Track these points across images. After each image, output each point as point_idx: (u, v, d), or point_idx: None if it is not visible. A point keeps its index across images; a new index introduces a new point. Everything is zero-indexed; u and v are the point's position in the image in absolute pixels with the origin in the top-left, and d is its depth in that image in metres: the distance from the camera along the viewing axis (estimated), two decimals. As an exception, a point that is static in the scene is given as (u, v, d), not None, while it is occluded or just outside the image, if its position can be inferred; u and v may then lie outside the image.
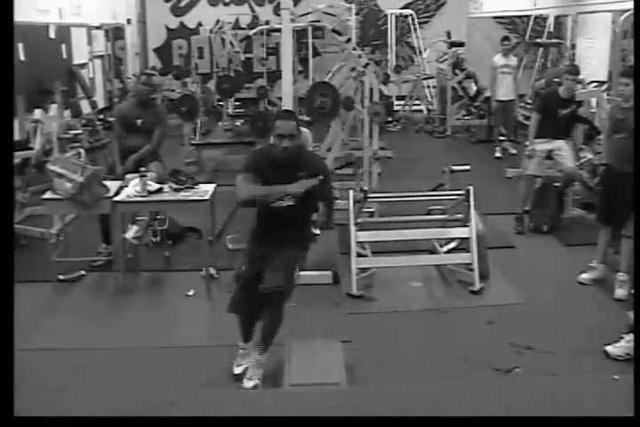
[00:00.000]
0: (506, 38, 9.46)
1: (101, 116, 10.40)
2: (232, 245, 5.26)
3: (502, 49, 9.22)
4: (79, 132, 8.63)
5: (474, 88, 11.03)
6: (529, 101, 9.18)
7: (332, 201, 3.98)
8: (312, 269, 4.67)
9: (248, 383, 3.68)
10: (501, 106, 9.32)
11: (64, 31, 9.71)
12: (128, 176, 5.13)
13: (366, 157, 7.11)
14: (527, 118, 8.01)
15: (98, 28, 11.16)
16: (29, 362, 3.78)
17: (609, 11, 8.47)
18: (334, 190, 3.84)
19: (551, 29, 11.11)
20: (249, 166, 3.63)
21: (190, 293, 4.92)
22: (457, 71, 11.06)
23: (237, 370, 3.81)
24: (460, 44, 11.53)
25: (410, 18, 13.04)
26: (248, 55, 11.25)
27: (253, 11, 13.76)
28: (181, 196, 4.90)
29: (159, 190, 4.90)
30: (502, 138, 9.55)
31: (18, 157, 6.07)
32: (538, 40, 11.04)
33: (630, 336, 3.81)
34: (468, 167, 6.03)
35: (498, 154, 9.39)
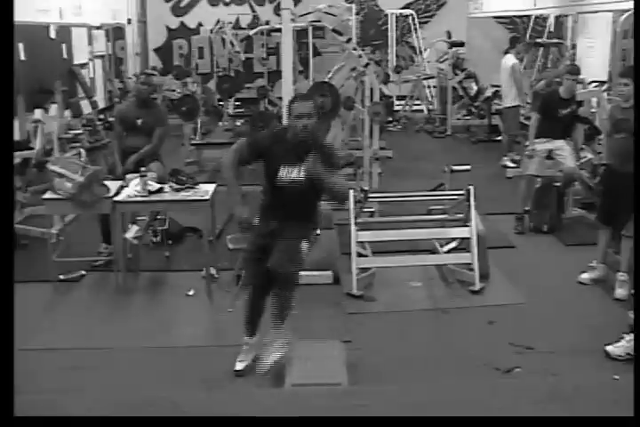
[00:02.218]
0: (516, 39, 9.23)
1: (102, 117, 10.37)
2: (232, 245, 5.26)
3: (516, 51, 8.90)
4: (79, 132, 8.60)
5: (474, 88, 11.02)
6: (528, 102, 9.12)
7: (338, 190, 3.59)
8: (312, 270, 4.68)
9: (273, 357, 3.63)
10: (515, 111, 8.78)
11: (64, 31, 9.70)
12: (128, 176, 5.13)
13: (367, 157, 7.11)
14: (527, 118, 7.97)
15: (98, 28, 11.15)
16: (29, 362, 3.78)
17: (609, 11, 8.45)
18: (343, 182, 3.66)
19: (551, 29, 11.10)
20: (252, 142, 3.68)
21: (190, 293, 4.92)
22: (457, 71, 11.05)
23: (240, 366, 3.79)
24: (461, 44, 11.53)
25: (410, 18, 13.03)
26: (248, 55, 11.24)
27: (254, 11, 13.74)
28: (182, 196, 4.90)
29: (159, 190, 4.90)
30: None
31: (18, 156, 6.07)
32: (538, 40, 11.02)
33: (630, 336, 3.81)
34: (468, 167, 6.04)
35: (509, 163, 8.56)
